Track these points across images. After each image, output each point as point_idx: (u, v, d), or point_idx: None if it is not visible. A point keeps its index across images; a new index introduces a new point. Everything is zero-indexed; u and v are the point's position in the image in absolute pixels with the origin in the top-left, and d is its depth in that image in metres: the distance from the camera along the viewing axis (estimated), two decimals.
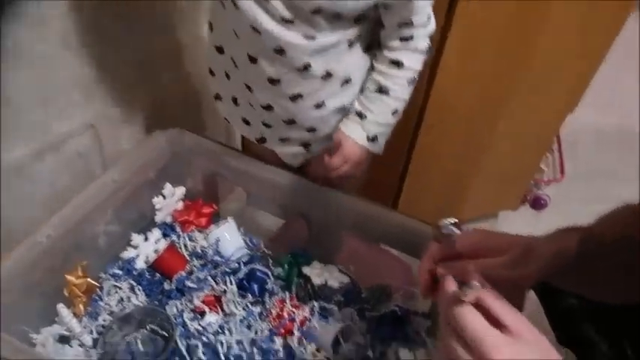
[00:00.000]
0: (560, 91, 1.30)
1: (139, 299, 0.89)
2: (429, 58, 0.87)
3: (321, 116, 0.88)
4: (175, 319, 0.84)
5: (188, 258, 0.95)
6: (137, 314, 0.85)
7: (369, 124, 0.87)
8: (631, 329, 0.62)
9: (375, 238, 0.94)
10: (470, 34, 1.09)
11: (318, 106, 0.86)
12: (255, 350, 0.82)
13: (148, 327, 0.85)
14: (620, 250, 0.52)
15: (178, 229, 1.00)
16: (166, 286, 0.90)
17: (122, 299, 0.88)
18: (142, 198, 0.97)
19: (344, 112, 0.89)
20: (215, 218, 1.03)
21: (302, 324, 0.84)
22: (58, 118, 0.97)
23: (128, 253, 0.94)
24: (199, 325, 0.83)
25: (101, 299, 0.88)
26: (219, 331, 0.83)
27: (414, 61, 0.84)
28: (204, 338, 0.82)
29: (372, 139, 0.88)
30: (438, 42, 1.09)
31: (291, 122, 0.89)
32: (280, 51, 0.78)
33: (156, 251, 0.94)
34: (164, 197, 0.99)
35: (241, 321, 0.85)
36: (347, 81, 0.85)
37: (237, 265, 0.90)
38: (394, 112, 0.87)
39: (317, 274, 0.89)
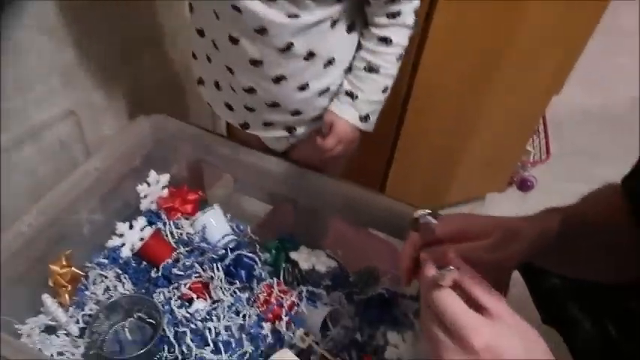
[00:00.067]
0: (545, 71, 1.30)
1: (126, 287, 0.88)
2: (415, 34, 0.86)
3: (305, 98, 0.87)
4: (163, 307, 0.83)
5: (174, 245, 0.94)
6: (124, 303, 0.84)
7: (361, 104, 0.86)
8: (612, 307, 0.63)
9: (363, 222, 0.93)
10: (456, 9, 1.08)
11: (302, 88, 0.85)
12: (243, 336, 0.82)
13: (135, 315, 0.85)
14: (602, 230, 0.53)
15: (164, 216, 0.98)
16: (153, 273, 0.90)
17: (108, 288, 0.88)
18: (126, 186, 0.95)
19: (328, 94, 0.88)
20: (202, 205, 1.02)
21: (290, 309, 0.84)
22: (38, 106, 0.95)
23: (113, 242, 0.93)
24: (187, 312, 0.83)
25: (87, 288, 0.87)
26: (207, 317, 0.83)
27: (401, 36, 0.83)
28: (192, 325, 0.82)
29: (365, 118, 0.88)
30: (424, 19, 1.08)
31: (274, 105, 0.88)
32: (262, 30, 0.77)
33: (141, 239, 0.93)
34: (148, 184, 0.97)
35: (229, 307, 0.85)
36: (330, 62, 0.84)
37: (224, 251, 0.89)
38: (384, 90, 0.87)
39: (304, 258, 0.89)
